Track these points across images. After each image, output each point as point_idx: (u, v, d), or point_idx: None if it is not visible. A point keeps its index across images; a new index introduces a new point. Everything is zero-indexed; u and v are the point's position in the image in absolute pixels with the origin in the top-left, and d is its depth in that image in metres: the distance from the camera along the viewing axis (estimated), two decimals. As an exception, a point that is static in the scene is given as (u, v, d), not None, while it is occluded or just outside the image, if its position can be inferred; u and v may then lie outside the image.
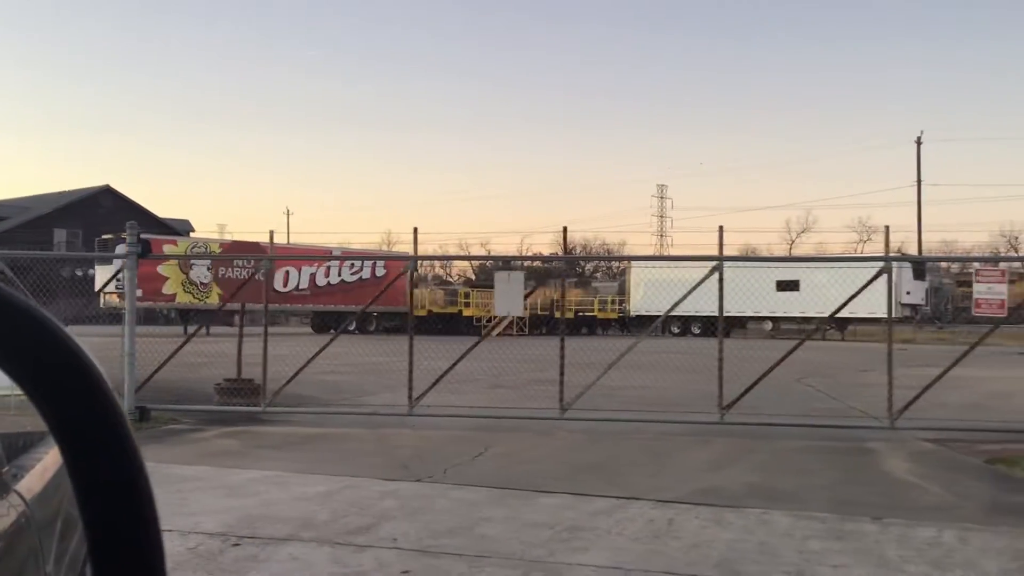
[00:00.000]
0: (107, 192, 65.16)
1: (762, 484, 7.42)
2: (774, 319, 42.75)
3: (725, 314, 10.05)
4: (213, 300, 37.62)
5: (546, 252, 70.84)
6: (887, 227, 10.39)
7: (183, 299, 41.01)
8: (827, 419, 10.34)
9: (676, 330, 44.03)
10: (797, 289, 38.40)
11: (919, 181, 59.78)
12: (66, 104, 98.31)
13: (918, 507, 6.66)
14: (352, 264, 49.56)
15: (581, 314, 51.51)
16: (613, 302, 52.42)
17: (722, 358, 9.92)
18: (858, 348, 29.77)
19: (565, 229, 12.66)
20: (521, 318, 49.42)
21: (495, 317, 50.10)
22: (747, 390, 9.95)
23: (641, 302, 46.39)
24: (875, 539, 5.69)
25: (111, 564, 0.80)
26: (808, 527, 5.95)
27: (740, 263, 15.18)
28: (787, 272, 37.35)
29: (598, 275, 73.43)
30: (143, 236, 42.26)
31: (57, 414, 0.80)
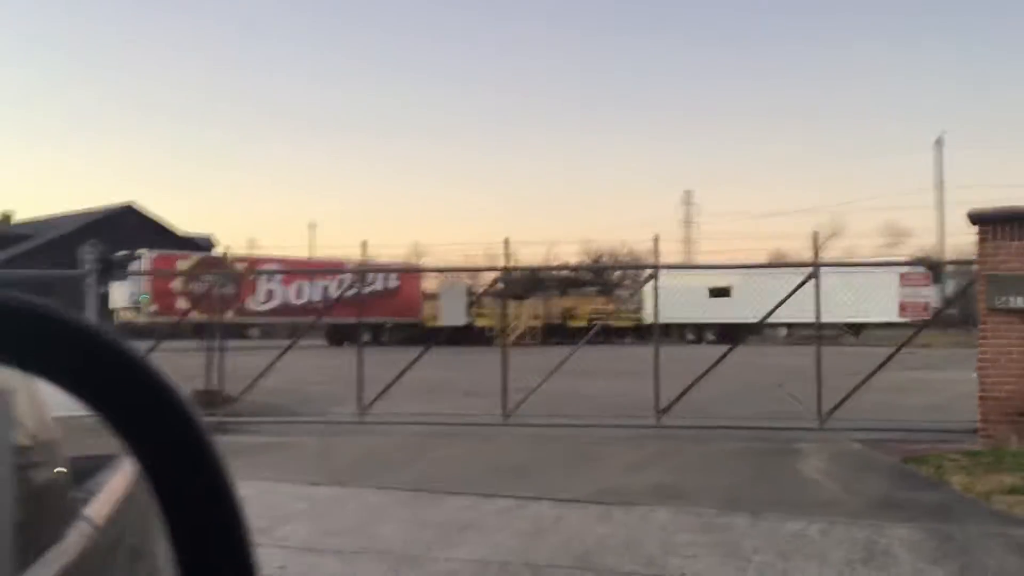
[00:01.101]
0: (129, 210, 66.71)
1: (668, 484, 7.78)
2: (790, 325, 42.73)
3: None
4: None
5: (572, 261, 71.19)
6: (815, 233, 10.66)
7: (197, 315, 41.87)
8: (763, 421, 10.65)
9: (691, 337, 44.23)
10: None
11: (941, 183, 59.76)
12: (92, 119, 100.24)
13: (806, 503, 6.99)
14: (367, 277, 50.17)
15: (596, 322, 51.72)
16: (627, 311, 52.66)
17: (657, 364, 10.29)
18: (868, 352, 29.82)
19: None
20: (534, 328, 49.93)
21: (510, 328, 50.51)
22: (679, 396, 10.32)
23: (660, 310, 46.44)
24: (742, 532, 6.05)
25: None
26: (685, 522, 6.33)
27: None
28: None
29: (627, 282, 73.68)
30: (160, 253, 42.73)
31: (140, 436, 0.79)
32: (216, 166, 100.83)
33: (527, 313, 51.50)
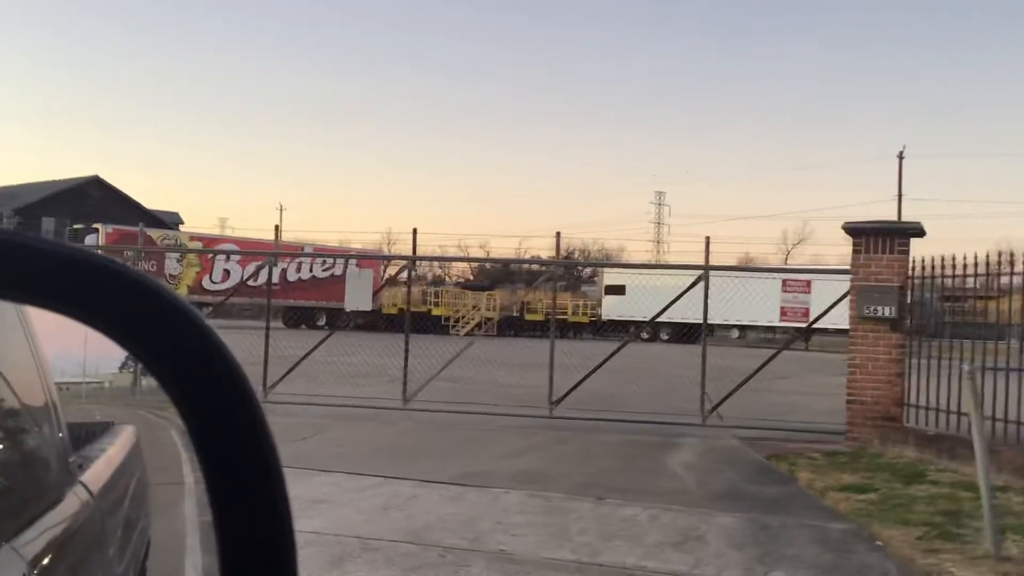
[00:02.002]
0: (95, 182, 66.10)
1: (535, 470, 8.17)
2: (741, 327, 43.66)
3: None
4: (182, 292, 38.45)
5: (544, 255, 71.55)
6: (708, 238, 11.09)
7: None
8: (654, 416, 11.08)
9: (646, 335, 44.84)
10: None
11: (900, 195, 60.89)
12: (61, 94, 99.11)
13: (654, 492, 7.40)
14: (324, 260, 50.61)
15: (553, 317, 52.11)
16: (586, 307, 53.18)
17: (552, 358, 10.68)
18: (814, 358, 30.51)
19: (558, 234, 13.03)
20: (489, 319, 50.32)
21: (463, 317, 50.97)
22: (572, 389, 10.72)
23: (612, 307, 47.15)
24: (578, 515, 6.44)
25: (243, 561, 0.79)
26: (530, 504, 6.71)
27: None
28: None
29: (596, 279, 74.21)
30: (116, 229, 42.30)
31: (198, 408, 0.80)
32: (190, 146, 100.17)
33: (485, 305, 51.89)
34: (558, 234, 11.56)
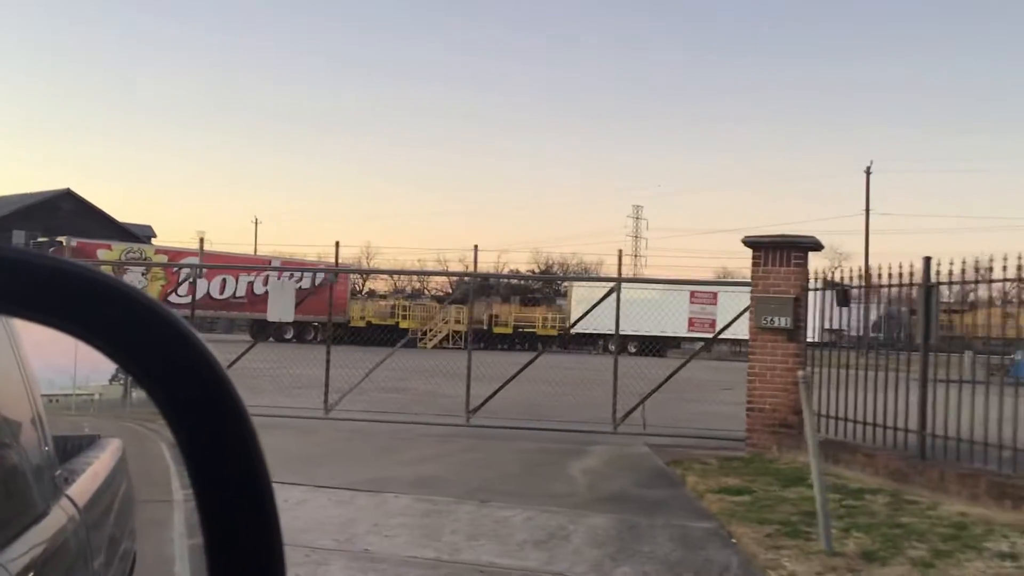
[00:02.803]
0: (67, 195, 65.97)
1: (433, 475, 8.44)
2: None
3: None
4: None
5: (523, 269, 72.13)
6: (620, 251, 11.44)
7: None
8: (571, 424, 11.39)
9: (612, 348, 45.24)
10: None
11: (867, 210, 62.20)
12: (33, 104, 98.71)
13: (543, 495, 7.67)
14: (292, 274, 50.70)
15: (521, 329, 52.57)
16: (554, 319, 53.57)
17: (470, 367, 10.97)
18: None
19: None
20: (457, 332, 50.59)
21: (430, 330, 51.18)
22: (488, 399, 11.01)
23: (580, 321, 47.63)
24: (456, 518, 6.72)
25: (230, 565, 0.79)
26: (414, 508, 6.98)
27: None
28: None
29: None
30: (80, 242, 42.38)
31: (185, 417, 0.81)
32: (166, 156, 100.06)
33: (453, 317, 52.12)
34: (475, 248, 11.77)
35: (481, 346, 44.73)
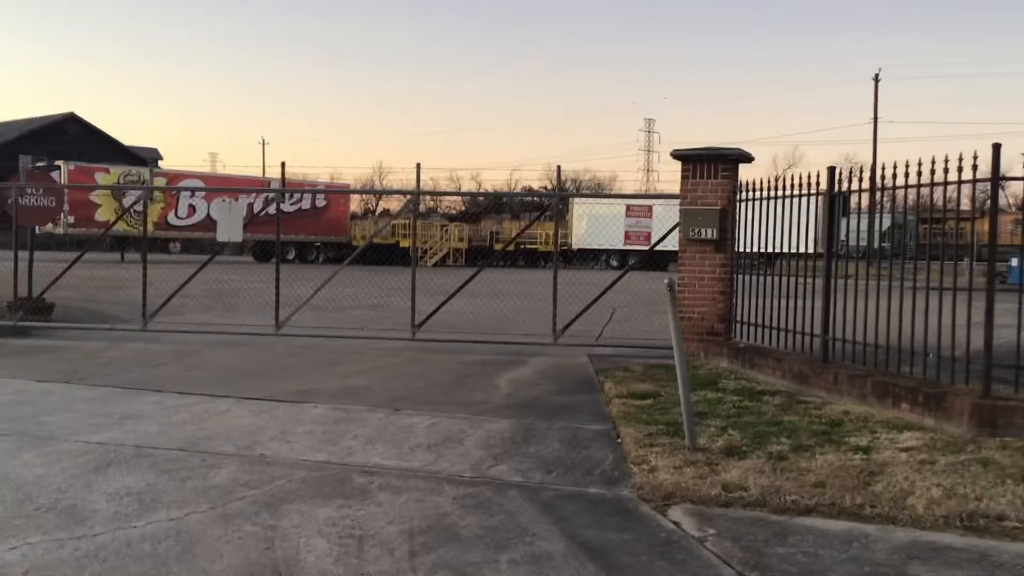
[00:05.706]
0: (72, 119, 66.10)
1: (363, 386, 8.80)
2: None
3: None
4: (149, 228, 38.97)
5: (535, 185, 72.03)
6: (559, 166, 11.49)
7: (118, 227, 42.43)
8: (515, 336, 11.71)
9: (615, 263, 45.69)
10: None
11: (875, 118, 61.09)
12: (40, 27, 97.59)
13: (460, 403, 8.00)
14: (291, 195, 51.02)
15: (523, 247, 52.86)
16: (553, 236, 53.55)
17: (414, 283, 11.26)
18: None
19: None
20: (458, 250, 50.91)
21: (431, 248, 51.47)
22: (432, 313, 11.33)
23: (583, 236, 47.88)
24: (362, 425, 7.06)
25: None
26: (328, 416, 7.34)
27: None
28: None
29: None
30: (78, 166, 42.70)
31: None
32: (180, 82, 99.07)
33: (454, 236, 52.35)
34: (418, 165, 11.87)
35: (480, 264, 45.25)
